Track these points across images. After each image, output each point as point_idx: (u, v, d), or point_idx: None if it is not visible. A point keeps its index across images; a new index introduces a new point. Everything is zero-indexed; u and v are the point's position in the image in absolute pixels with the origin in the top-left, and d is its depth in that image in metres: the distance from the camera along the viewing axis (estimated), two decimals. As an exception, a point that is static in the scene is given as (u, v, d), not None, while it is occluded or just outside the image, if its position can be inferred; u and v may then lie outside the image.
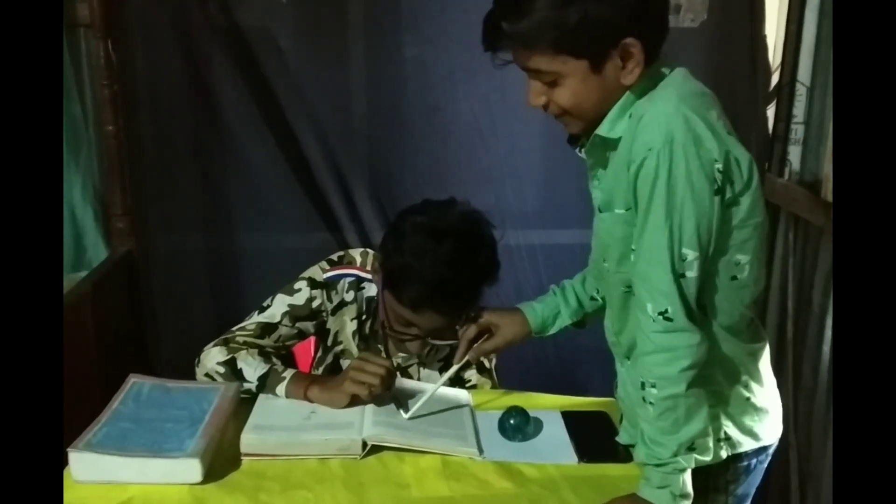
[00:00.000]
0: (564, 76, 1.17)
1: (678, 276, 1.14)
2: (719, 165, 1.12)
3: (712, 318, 1.22)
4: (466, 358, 1.49)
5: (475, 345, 1.49)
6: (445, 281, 1.43)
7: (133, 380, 1.51)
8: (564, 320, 1.51)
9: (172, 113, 2.32)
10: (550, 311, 1.51)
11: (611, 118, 1.20)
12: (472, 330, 1.48)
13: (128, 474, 1.26)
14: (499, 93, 2.32)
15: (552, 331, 1.52)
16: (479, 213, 1.53)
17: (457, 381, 1.66)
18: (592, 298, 1.50)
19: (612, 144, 1.21)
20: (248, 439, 1.36)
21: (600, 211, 1.29)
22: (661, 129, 1.12)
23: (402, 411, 1.47)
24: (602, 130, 1.21)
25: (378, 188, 2.39)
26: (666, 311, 1.14)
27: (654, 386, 1.17)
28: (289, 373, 1.51)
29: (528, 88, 1.22)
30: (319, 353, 1.72)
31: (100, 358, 2.01)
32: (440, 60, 2.33)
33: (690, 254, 1.13)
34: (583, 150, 1.29)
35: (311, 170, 2.36)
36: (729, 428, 1.29)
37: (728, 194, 1.15)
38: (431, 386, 1.52)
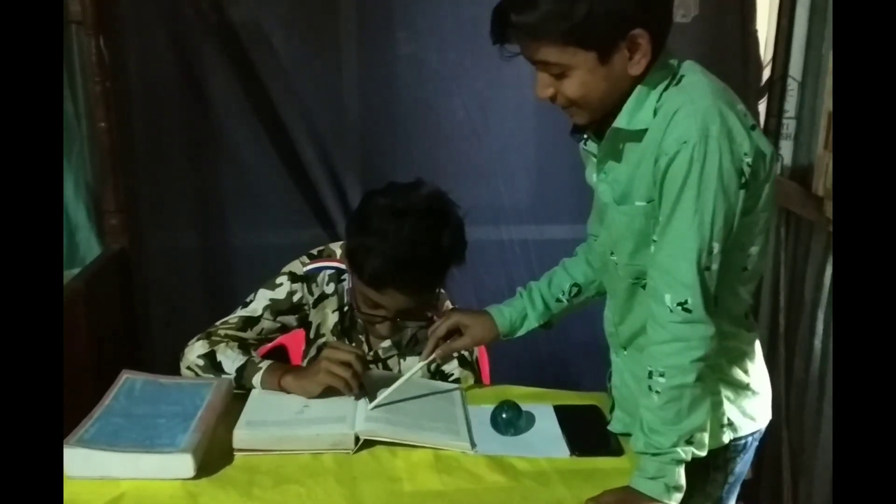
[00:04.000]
0: (573, 68, 1.17)
1: (703, 269, 1.15)
2: (748, 160, 1.14)
3: (722, 308, 1.23)
4: (434, 355, 1.50)
5: (444, 343, 1.50)
6: (405, 258, 1.44)
7: (126, 376, 1.51)
8: (532, 323, 1.53)
9: (165, 109, 2.31)
10: (518, 314, 1.53)
11: (628, 110, 1.20)
12: (442, 328, 1.50)
13: (120, 469, 1.26)
14: (491, 89, 2.32)
15: (520, 332, 1.54)
16: (443, 193, 1.53)
17: (438, 375, 1.66)
18: (558, 300, 1.52)
19: (634, 136, 1.21)
20: (241, 434, 1.36)
21: (616, 204, 1.28)
22: (698, 123, 1.13)
23: (366, 399, 1.46)
24: (621, 123, 1.21)
25: (370, 184, 2.35)
26: (686, 301, 1.15)
27: (662, 375, 1.18)
28: (265, 363, 1.51)
29: (536, 80, 1.22)
30: (304, 347, 1.72)
31: (92, 354, 2.01)
32: (433, 57, 2.33)
33: (717, 247, 1.15)
34: (586, 142, 1.29)
35: (303, 166, 2.36)
36: (732, 413, 1.31)
37: (752, 187, 1.17)
38: (403, 377, 1.51)
